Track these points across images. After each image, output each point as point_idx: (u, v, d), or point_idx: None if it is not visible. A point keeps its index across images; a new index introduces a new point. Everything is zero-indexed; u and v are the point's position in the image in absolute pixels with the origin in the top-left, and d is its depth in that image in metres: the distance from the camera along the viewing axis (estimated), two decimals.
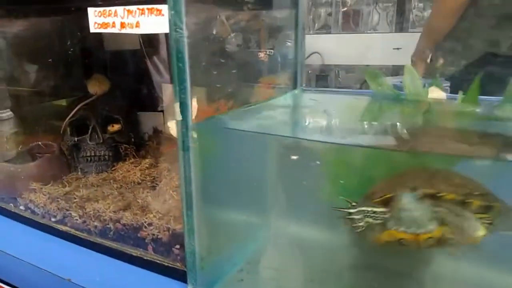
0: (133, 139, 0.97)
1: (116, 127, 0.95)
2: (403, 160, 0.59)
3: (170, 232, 0.68)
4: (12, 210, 0.86)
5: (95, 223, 0.74)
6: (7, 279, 0.77)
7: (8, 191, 0.88)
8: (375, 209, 0.53)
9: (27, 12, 0.93)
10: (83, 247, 0.75)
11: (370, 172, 0.61)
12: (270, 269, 0.72)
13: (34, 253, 0.74)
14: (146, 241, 0.70)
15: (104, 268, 0.70)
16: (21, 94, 1.02)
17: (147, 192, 0.78)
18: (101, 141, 0.91)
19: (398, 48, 2.07)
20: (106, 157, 0.91)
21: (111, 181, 0.86)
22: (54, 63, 1.02)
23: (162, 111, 1.02)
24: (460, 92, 0.70)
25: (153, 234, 0.69)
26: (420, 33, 1.42)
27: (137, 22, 0.58)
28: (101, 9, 0.61)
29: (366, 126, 0.67)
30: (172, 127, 1.02)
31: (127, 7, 0.58)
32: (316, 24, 2.61)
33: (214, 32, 0.79)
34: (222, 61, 0.79)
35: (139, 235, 0.70)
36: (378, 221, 0.53)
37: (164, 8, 0.55)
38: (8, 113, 0.96)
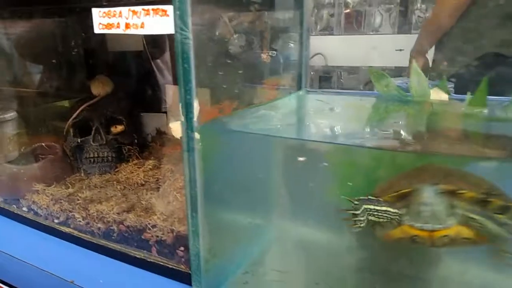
0: (136, 140, 0.97)
1: (119, 128, 0.94)
2: (411, 161, 0.58)
3: (174, 234, 0.68)
4: (15, 212, 0.86)
5: (99, 225, 0.74)
6: (10, 280, 0.76)
7: (11, 192, 0.88)
8: (378, 207, 0.53)
9: (31, 13, 0.93)
10: (87, 248, 0.75)
11: (378, 173, 0.61)
12: (274, 272, 0.71)
13: (37, 255, 0.74)
14: (150, 243, 0.69)
15: (108, 270, 0.70)
16: (24, 95, 1.02)
17: (151, 194, 0.78)
18: (104, 142, 0.91)
19: (400, 50, 2.06)
20: (109, 158, 0.90)
21: (115, 182, 0.85)
22: (57, 64, 1.02)
23: (165, 112, 1.02)
24: (468, 93, 0.70)
25: (157, 236, 0.69)
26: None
27: (142, 23, 0.58)
28: (106, 9, 0.60)
29: (373, 128, 0.66)
30: (174, 129, 1.02)
31: (132, 8, 0.58)
32: (318, 26, 2.61)
33: (217, 33, 0.78)
34: (226, 62, 0.79)
35: (143, 237, 0.70)
36: (382, 220, 0.53)
37: (169, 8, 0.54)
38: (11, 114, 0.96)
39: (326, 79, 2.21)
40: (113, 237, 0.73)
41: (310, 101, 0.87)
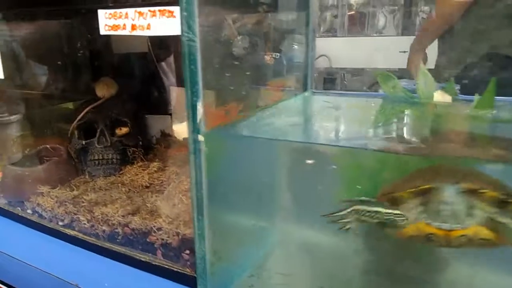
0: (141, 142, 0.96)
1: (124, 130, 0.94)
2: (420, 164, 0.57)
3: (180, 237, 0.67)
4: (20, 214, 0.85)
5: (103, 228, 0.74)
6: (14, 283, 0.76)
7: (16, 194, 0.88)
8: (369, 208, 0.52)
9: (36, 14, 0.93)
10: (91, 251, 0.74)
11: (387, 176, 0.60)
12: (280, 275, 0.70)
13: (41, 258, 0.73)
14: (155, 246, 0.69)
15: (112, 273, 0.69)
16: (29, 96, 1.02)
17: (156, 196, 0.77)
18: (109, 144, 0.90)
19: (404, 51, 2.05)
20: (114, 160, 0.90)
21: (119, 184, 0.85)
22: (62, 66, 1.02)
23: (170, 114, 1.02)
24: (476, 95, 0.70)
25: (162, 239, 0.68)
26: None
27: (148, 24, 0.58)
28: (112, 11, 0.60)
29: (380, 130, 0.66)
30: (178, 131, 1.02)
31: (138, 9, 0.58)
32: (322, 27, 2.61)
33: (221, 35, 0.78)
34: (231, 64, 0.78)
35: (148, 239, 0.70)
36: (375, 221, 0.52)
37: (175, 9, 0.54)
38: (15, 116, 0.96)
39: (330, 80, 2.21)
40: (118, 240, 0.72)
41: (316, 102, 0.87)
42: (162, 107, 1.03)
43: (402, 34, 2.34)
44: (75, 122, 0.92)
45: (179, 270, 0.65)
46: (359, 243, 0.69)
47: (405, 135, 0.64)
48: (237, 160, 0.65)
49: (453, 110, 0.74)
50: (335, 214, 0.54)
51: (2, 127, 0.97)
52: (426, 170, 0.53)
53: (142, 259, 0.68)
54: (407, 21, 2.42)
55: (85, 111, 0.93)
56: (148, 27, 0.58)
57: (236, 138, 0.65)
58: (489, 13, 1.15)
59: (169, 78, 1.10)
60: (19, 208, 0.86)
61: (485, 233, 0.47)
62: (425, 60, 1.39)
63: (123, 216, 0.73)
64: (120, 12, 0.59)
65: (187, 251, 0.66)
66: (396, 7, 2.55)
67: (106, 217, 0.74)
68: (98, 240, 0.74)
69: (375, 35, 2.55)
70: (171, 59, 1.06)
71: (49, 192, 0.84)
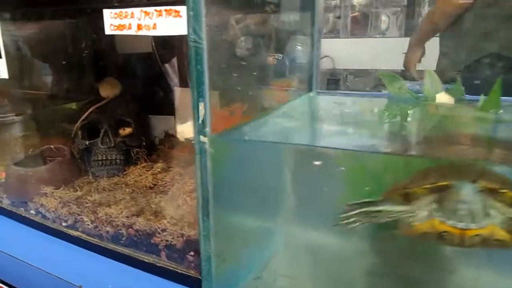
0: (144, 143, 0.96)
1: (128, 130, 0.94)
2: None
3: (184, 238, 0.67)
4: (23, 214, 0.85)
5: (107, 228, 0.73)
6: (17, 284, 0.76)
7: (19, 194, 0.87)
8: (374, 209, 0.51)
9: (39, 14, 0.92)
10: (95, 252, 0.74)
11: (392, 177, 0.59)
12: (285, 277, 0.70)
13: (45, 259, 0.73)
14: (159, 247, 0.68)
15: (117, 275, 0.69)
16: (33, 97, 1.02)
17: (160, 197, 0.77)
18: (113, 144, 0.90)
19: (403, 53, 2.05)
20: (118, 161, 0.90)
21: (123, 185, 0.84)
22: (66, 66, 1.02)
23: (173, 114, 1.01)
24: (481, 95, 0.69)
25: (167, 240, 0.67)
26: (435, 38, 1.42)
27: (154, 24, 0.57)
28: (117, 10, 0.60)
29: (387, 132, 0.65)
30: (182, 132, 1.01)
31: (144, 9, 0.57)
32: (324, 28, 2.61)
33: (227, 34, 0.78)
34: (235, 64, 0.78)
35: (152, 241, 0.69)
36: (382, 220, 0.52)
37: (182, 9, 0.54)
38: (19, 116, 0.95)
39: (333, 81, 2.20)
40: (121, 241, 0.72)
41: (322, 102, 0.86)
42: (165, 107, 1.03)
43: (405, 36, 2.34)
44: (78, 122, 0.92)
45: (183, 272, 0.65)
46: (365, 244, 0.69)
47: (415, 136, 0.63)
48: (243, 162, 0.64)
49: (460, 111, 0.74)
50: (345, 215, 0.53)
51: (6, 127, 0.97)
52: (441, 167, 0.53)
53: (146, 261, 0.68)
54: (410, 22, 2.42)
55: (89, 111, 0.92)
56: (154, 27, 0.57)
57: (244, 140, 0.64)
58: (490, 13, 1.15)
59: (173, 79, 1.10)
60: (23, 209, 0.86)
61: (501, 234, 0.46)
62: (423, 54, 1.39)
63: (127, 217, 0.72)
64: (126, 12, 0.59)
65: (192, 253, 0.65)
66: (399, 9, 2.55)
67: (110, 218, 0.73)
68: (101, 241, 0.74)
69: (378, 36, 2.55)
70: (175, 59, 1.06)
71: (53, 192, 0.83)
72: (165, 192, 0.80)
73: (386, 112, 0.80)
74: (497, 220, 0.46)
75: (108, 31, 0.62)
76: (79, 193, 0.82)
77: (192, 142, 0.74)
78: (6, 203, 0.90)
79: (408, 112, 0.75)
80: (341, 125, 0.73)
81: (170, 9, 0.55)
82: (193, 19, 0.50)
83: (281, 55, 0.90)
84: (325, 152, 0.61)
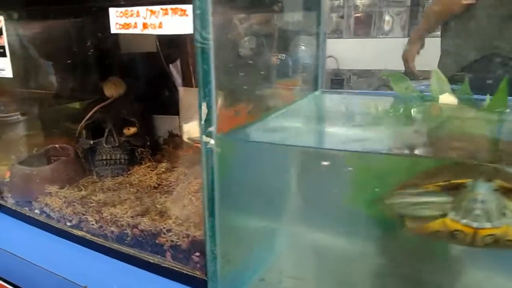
0: (148, 143, 0.96)
1: (132, 130, 0.93)
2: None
3: (189, 238, 0.66)
4: (27, 214, 0.85)
5: (112, 228, 0.73)
6: (21, 283, 0.75)
7: (24, 194, 0.87)
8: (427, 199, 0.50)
9: (44, 13, 0.92)
10: (100, 253, 0.74)
11: (399, 179, 0.59)
12: (291, 279, 0.69)
13: (49, 258, 0.73)
14: (164, 247, 0.68)
15: (121, 275, 0.68)
16: (37, 96, 1.01)
17: (165, 197, 0.77)
18: (117, 144, 0.90)
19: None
20: (122, 160, 0.89)
21: (128, 185, 0.84)
22: (70, 65, 1.02)
23: (178, 114, 1.01)
24: (487, 95, 0.69)
25: (172, 241, 0.67)
26: (436, 38, 1.42)
27: (160, 23, 0.57)
28: (123, 9, 0.59)
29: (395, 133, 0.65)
30: (188, 131, 1.01)
31: (150, 7, 0.57)
32: (328, 29, 2.61)
33: (233, 34, 0.77)
34: (240, 64, 0.78)
35: (157, 241, 0.69)
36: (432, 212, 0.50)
37: (188, 8, 0.53)
38: (24, 115, 0.95)
39: (337, 81, 2.20)
40: (126, 241, 0.72)
41: (330, 101, 0.86)
42: (170, 107, 1.03)
43: (409, 36, 2.33)
44: (83, 121, 0.91)
45: (189, 273, 0.64)
46: (372, 245, 0.68)
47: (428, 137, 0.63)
48: (247, 162, 0.64)
49: (467, 111, 0.73)
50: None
51: (11, 126, 0.97)
52: (455, 164, 0.52)
53: (151, 261, 0.68)
54: (414, 23, 2.41)
55: (93, 110, 0.92)
56: (160, 26, 0.57)
57: (251, 141, 0.64)
58: (491, 13, 1.15)
59: (177, 78, 1.10)
60: (27, 208, 0.86)
61: None
62: (422, 46, 1.40)
63: (132, 217, 0.72)
64: (132, 10, 0.59)
65: (197, 253, 0.65)
66: (403, 9, 2.54)
67: (115, 218, 0.73)
68: (106, 241, 0.73)
69: (381, 36, 2.54)
70: (180, 59, 1.05)
71: (57, 192, 0.83)
72: (170, 192, 0.79)
73: (394, 110, 0.79)
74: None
75: (113, 30, 0.61)
76: (83, 192, 0.82)
77: (196, 141, 0.74)
78: (10, 202, 0.90)
79: (418, 111, 0.75)
80: (354, 123, 0.73)
81: (176, 8, 0.55)
82: (199, 18, 0.49)
83: (285, 55, 0.90)
84: (335, 154, 0.60)
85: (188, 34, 0.53)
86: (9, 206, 0.89)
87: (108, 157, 0.88)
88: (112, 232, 0.73)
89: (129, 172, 0.89)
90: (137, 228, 0.71)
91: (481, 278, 0.64)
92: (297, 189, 0.73)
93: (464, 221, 0.46)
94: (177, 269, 0.65)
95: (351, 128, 0.70)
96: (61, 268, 0.69)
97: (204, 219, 0.57)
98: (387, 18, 2.48)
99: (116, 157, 0.89)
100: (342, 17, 2.50)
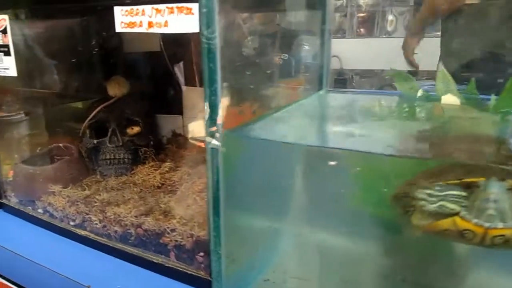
0: (152, 142, 0.95)
1: (136, 129, 0.93)
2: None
3: (194, 238, 0.66)
4: (31, 213, 0.85)
5: (116, 228, 0.72)
6: (24, 283, 0.75)
7: (27, 193, 0.87)
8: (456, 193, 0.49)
9: (48, 12, 0.92)
10: (103, 252, 0.73)
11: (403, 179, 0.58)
12: (295, 280, 0.69)
13: (52, 258, 0.73)
14: (168, 247, 0.67)
15: (125, 275, 0.68)
16: (40, 95, 1.01)
17: (169, 197, 0.76)
18: (121, 143, 0.89)
19: (414, 53, 2.04)
20: (126, 160, 0.89)
21: (131, 184, 0.84)
22: (74, 64, 1.02)
23: (181, 113, 1.00)
24: (493, 95, 0.68)
25: (176, 241, 0.67)
26: (436, 38, 1.42)
27: (166, 21, 0.56)
28: (128, 7, 0.59)
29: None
30: (192, 131, 1.00)
31: (156, 6, 0.56)
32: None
33: (240, 33, 0.77)
34: (245, 63, 0.77)
35: (161, 241, 0.68)
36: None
37: (194, 6, 0.53)
38: (27, 114, 0.95)
39: (340, 81, 2.19)
40: (130, 241, 0.71)
41: (335, 99, 0.86)
42: (173, 106, 1.02)
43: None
44: (86, 121, 0.91)
45: (193, 273, 0.64)
46: (377, 245, 0.68)
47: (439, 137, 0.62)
48: (254, 161, 0.64)
49: (471, 111, 0.73)
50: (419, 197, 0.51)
51: (14, 125, 0.97)
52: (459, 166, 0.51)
53: (155, 261, 0.67)
54: None
55: (96, 110, 0.92)
56: (166, 25, 0.56)
57: (256, 139, 0.63)
58: (492, 12, 1.14)
59: (181, 78, 1.09)
60: (30, 207, 0.86)
61: None
62: (420, 39, 1.40)
63: (135, 216, 0.72)
64: (137, 9, 0.58)
65: (201, 253, 0.64)
66: (406, 9, 2.53)
67: (119, 218, 0.72)
68: (110, 241, 0.73)
69: (384, 36, 2.53)
70: (183, 58, 1.05)
71: (61, 191, 0.83)
72: (173, 191, 0.79)
73: (400, 110, 0.79)
74: None
75: (118, 28, 0.61)
76: (87, 192, 0.82)
77: (199, 141, 0.74)
78: (14, 201, 0.90)
79: (426, 112, 0.75)
80: (359, 122, 0.72)
81: (182, 7, 0.54)
82: (206, 17, 0.49)
83: (288, 55, 0.90)
84: (342, 153, 0.60)
85: (192, 34, 0.52)
86: (13, 205, 0.89)
87: (112, 157, 0.88)
88: (116, 231, 0.72)
89: (132, 172, 0.89)
90: (141, 228, 0.70)
91: (486, 279, 0.63)
92: (302, 188, 0.73)
93: (475, 220, 0.45)
94: (181, 269, 0.65)
95: (356, 127, 0.69)
96: (64, 268, 0.69)
97: (208, 219, 0.57)
98: (390, 18, 2.48)
99: (120, 157, 0.88)
100: (345, 15, 2.49)
